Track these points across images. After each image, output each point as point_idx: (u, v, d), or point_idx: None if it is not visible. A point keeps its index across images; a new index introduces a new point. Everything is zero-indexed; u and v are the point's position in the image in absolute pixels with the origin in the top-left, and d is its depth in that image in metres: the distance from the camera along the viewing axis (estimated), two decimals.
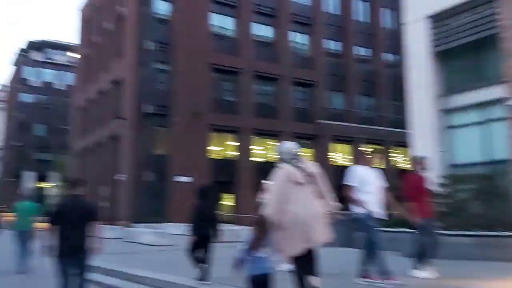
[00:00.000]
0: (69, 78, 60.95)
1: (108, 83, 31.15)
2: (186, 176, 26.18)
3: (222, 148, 29.37)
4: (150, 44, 26.77)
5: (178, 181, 26.02)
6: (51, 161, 56.29)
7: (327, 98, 33.24)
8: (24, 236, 9.82)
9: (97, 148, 32.15)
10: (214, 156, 28.48)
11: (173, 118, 26.54)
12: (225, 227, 18.15)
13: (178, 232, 17.15)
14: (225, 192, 29.25)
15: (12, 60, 68.09)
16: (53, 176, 53.57)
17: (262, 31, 31.82)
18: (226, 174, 28.72)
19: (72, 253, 5.36)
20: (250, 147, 29.53)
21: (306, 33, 33.46)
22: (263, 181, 7.69)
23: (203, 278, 6.72)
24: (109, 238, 18.61)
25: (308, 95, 32.84)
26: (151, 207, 25.87)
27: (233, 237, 16.52)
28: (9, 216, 12.39)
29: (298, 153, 4.81)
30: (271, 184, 4.77)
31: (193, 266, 6.98)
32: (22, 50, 62.41)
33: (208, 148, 27.78)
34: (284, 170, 4.66)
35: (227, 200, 29.62)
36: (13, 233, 10.11)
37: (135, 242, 16.65)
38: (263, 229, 4.35)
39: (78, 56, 39.34)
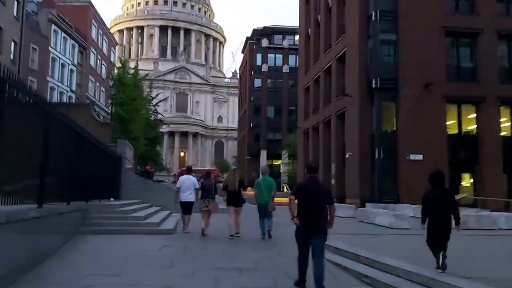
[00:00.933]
0: (294, 61, 63.97)
1: (332, 61, 30.85)
2: (418, 154, 24.05)
3: (459, 121, 25.97)
4: (374, 14, 25.13)
5: (409, 160, 24.09)
6: (281, 140, 60.43)
7: None
8: (264, 208, 10.88)
9: (323, 127, 32.38)
10: (449, 131, 25.39)
11: (402, 92, 24.54)
12: (469, 213, 15.86)
13: (414, 214, 15.66)
14: (464, 171, 25.95)
15: (241, 49, 75.58)
16: (283, 154, 57.52)
17: None
18: (464, 151, 25.43)
19: (311, 230, 5.78)
20: (495, 119, 25.33)
21: None
22: None
23: (442, 267, 6.53)
24: (342, 217, 18.25)
25: None
26: (381, 187, 24.65)
27: (479, 223, 14.22)
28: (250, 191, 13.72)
29: None
30: None
31: (434, 255, 6.70)
32: (250, 38, 68.10)
33: (442, 122, 24.84)
34: None
35: (466, 181, 26.25)
36: (256, 206, 11.26)
37: (370, 223, 15.76)
38: None
39: (301, 37, 40.25)
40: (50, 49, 42.81)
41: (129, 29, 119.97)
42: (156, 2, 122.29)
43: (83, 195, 12.20)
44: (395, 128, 25.31)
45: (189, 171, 12.85)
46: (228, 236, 10.78)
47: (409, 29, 24.51)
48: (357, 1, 26.44)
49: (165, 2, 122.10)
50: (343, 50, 28.59)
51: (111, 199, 17.30)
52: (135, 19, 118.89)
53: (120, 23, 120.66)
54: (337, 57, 29.96)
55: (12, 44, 29.40)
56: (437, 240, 6.60)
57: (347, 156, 26.80)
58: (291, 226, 6.13)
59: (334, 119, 29.94)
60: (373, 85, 24.90)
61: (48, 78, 42.66)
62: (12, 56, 29.40)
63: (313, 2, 36.60)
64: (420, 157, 23.85)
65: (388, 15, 25.24)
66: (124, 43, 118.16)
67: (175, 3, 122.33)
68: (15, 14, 29.53)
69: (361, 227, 15.01)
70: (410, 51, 24.42)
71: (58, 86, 44.37)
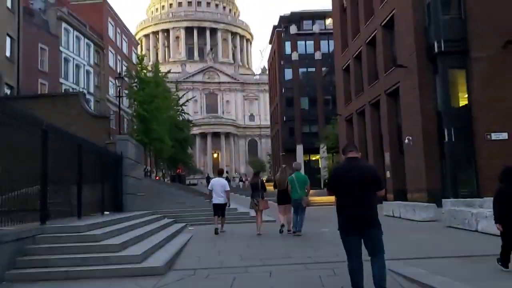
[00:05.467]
0: (326, 46, 58.83)
1: (377, 30, 25.76)
2: (501, 132, 18.75)
3: None
4: None
5: (489, 140, 18.81)
6: (317, 133, 55.40)
7: None
8: (297, 203, 11.18)
9: (370, 110, 27.30)
10: None
11: (474, 54, 19.24)
12: None
13: None
14: None
15: (269, 39, 70.51)
16: (321, 147, 52.47)
17: None
18: None
19: (356, 226, 4.72)
20: None
21: None
22: None
23: None
24: (418, 221, 13.37)
25: None
26: (454, 177, 19.42)
27: None
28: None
29: None
30: None
31: None
32: (277, 26, 63.24)
33: None
34: None
35: None
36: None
37: (467, 230, 10.78)
38: None
39: (335, 12, 35.18)
40: (62, 48, 39.45)
41: (155, 33, 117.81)
42: (180, 4, 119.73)
43: (42, 212, 8.15)
44: (467, 102, 20.02)
45: (220, 173, 13.86)
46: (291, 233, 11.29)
47: None
48: None
49: (189, 3, 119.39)
50: (391, 13, 23.48)
51: (106, 212, 13.08)
52: (160, 23, 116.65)
53: (145, 27, 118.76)
54: (382, 24, 24.86)
55: (8, 39, 25.85)
56: None
57: (406, 141, 21.67)
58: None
59: (385, 98, 24.84)
60: (436, 49, 19.70)
61: (62, 80, 39.34)
62: (9, 53, 25.83)
63: None
64: (504, 135, 18.64)
65: None
66: (151, 47, 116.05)
67: (199, 3, 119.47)
68: (9, 5, 26.00)
69: (464, 239, 9.88)
70: (481, 0, 19.08)
71: (74, 88, 40.99)
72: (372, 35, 26.51)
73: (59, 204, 10.63)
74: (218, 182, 12.67)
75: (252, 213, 14.74)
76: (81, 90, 42.52)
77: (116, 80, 30.69)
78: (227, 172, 15.74)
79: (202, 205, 19.01)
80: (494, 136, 18.68)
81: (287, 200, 11.43)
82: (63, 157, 10.45)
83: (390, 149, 24.40)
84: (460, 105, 20.46)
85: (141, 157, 19.91)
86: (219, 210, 12.53)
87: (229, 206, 12.95)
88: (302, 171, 13.27)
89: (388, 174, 23.86)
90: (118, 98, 32.55)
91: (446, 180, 19.74)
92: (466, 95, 20.12)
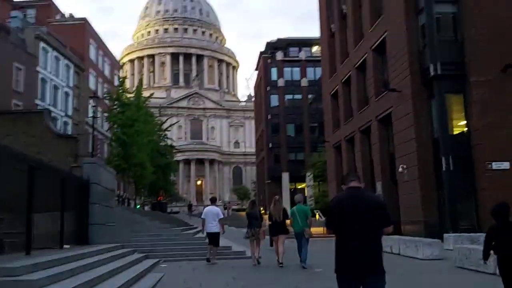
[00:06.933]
0: (312, 73, 58.28)
1: (367, 53, 24.79)
2: (503, 162, 17.57)
3: None
4: None
5: (490, 169, 17.57)
6: (303, 160, 54.11)
7: None
8: (300, 236, 11.12)
9: (360, 136, 26.07)
10: None
11: (473, 77, 18.20)
12: None
13: None
14: None
15: (255, 66, 69.83)
16: (308, 176, 51.06)
17: None
18: None
19: (357, 270, 3.91)
20: None
21: None
22: None
23: None
24: (421, 259, 11.87)
25: None
26: (453, 209, 18.02)
27: None
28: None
29: None
30: None
31: None
32: (263, 52, 62.68)
33: None
34: None
35: None
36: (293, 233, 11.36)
37: (481, 272, 9.30)
38: None
39: (323, 36, 34.39)
40: (39, 69, 37.81)
41: (140, 58, 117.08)
42: (166, 30, 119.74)
43: None
44: (466, 129, 18.86)
45: (213, 201, 13.60)
46: (278, 264, 11.27)
47: None
48: None
49: (176, 30, 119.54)
50: (382, 36, 22.53)
51: (66, 246, 11.29)
52: (146, 48, 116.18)
53: (130, 52, 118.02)
54: (373, 47, 23.91)
55: None
56: None
57: (399, 170, 20.34)
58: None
59: (376, 124, 23.65)
60: (431, 72, 18.60)
61: (38, 102, 37.52)
62: None
63: None
64: (506, 165, 17.41)
65: None
66: (136, 72, 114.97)
67: (185, 30, 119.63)
68: None
69: (485, 285, 8.32)
70: (479, 22, 18.19)
71: (51, 110, 39.15)
72: (362, 59, 25.54)
73: (14, 236, 9.06)
74: (211, 210, 12.55)
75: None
76: (60, 112, 40.74)
77: (91, 100, 29.06)
78: (214, 199, 14.65)
79: (179, 237, 17.26)
80: (495, 165, 17.45)
81: (281, 231, 11.50)
82: (16, 182, 8.80)
83: (382, 178, 23.06)
84: (458, 132, 19.30)
85: (114, 183, 18.20)
86: (212, 239, 12.38)
87: (223, 233, 12.92)
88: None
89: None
90: (92, 119, 30.79)
91: (444, 212, 18.36)
92: (464, 122, 18.98)
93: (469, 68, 18.29)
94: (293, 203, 14.07)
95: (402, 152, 20.52)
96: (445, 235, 14.56)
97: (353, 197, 4.18)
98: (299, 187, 57.41)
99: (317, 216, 39.49)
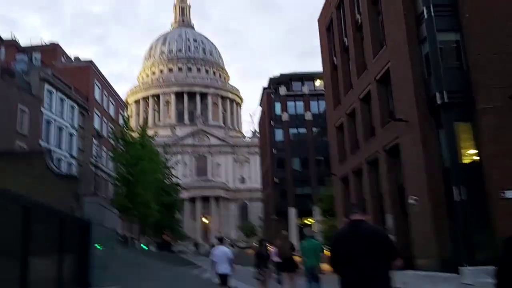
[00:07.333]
0: (316, 107, 58.39)
1: (370, 84, 24.65)
2: None
3: None
4: (427, 10, 19.08)
5: (504, 198, 16.96)
6: (310, 195, 53.37)
7: None
8: (311, 273, 10.77)
9: (367, 168, 25.59)
10: None
11: (480, 105, 17.86)
12: None
13: None
14: None
15: (259, 101, 70.11)
16: (315, 210, 50.22)
17: None
18: None
19: None
20: None
21: None
22: None
23: None
24: None
25: None
26: (468, 240, 17.31)
27: None
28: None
29: None
30: None
31: None
32: (266, 88, 63.04)
33: None
34: None
35: None
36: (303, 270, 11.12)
37: None
38: None
39: (325, 69, 34.45)
40: (43, 110, 38.00)
41: (145, 98, 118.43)
42: (170, 70, 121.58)
43: None
44: (477, 157, 18.36)
45: (220, 241, 13.23)
46: None
47: (477, 19, 18.23)
48: (399, 0, 20.52)
49: (180, 69, 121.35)
50: (386, 66, 22.43)
51: None
52: (151, 88, 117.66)
53: (136, 93, 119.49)
54: (377, 78, 23.77)
55: None
56: None
57: (410, 201, 19.74)
58: None
59: (383, 155, 23.21)
60: (438, 100, 18.29)
61: (42, 143, 37.48)
62: None
63: (337, 26, 31.11)
64: None
65: (445, 8, 19.19)
66: (141, 112, 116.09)
67: (189, 69, 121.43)
68: None
69: None
70: (484, 48, 18.01)
71: (55, 151, 39.07)
72: (366, 90, 25.37)
73: (7, 282, 8.56)
74: (221, 251, 12.41)
75: None
76: (64, 153, 40.65)
77: (94, 139, 28.96)
78: (222, 238, 14.58)
79: (186, 279, 16.61)
80: (508, 194, 16.84)
81: (292, 267, 11.42)
82: (11, 224, 8.40)
83: (392, 210, 22.40)
84: (469, 161, 18.78)
85: (117, 223, 17.74)
86: (223, 279, 12.35)
87: (235, 274, 12.78)
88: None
89: (393, 237, 21.67)
90: (95, 157, 30.57)
91: (458, 244, 17.61)
92: (475, 150, 18.50)
93: (476, 95, 17.98)
94: (301, 239, 14.62)
95: (412, 182, 19.99)
96: (461, 268, 13.85)
97: (354, 230, 4.00)
98: (307, 222, 56.43)
99: (324, 251, 38.42)
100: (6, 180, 12.21)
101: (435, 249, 17.90)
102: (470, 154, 18.89)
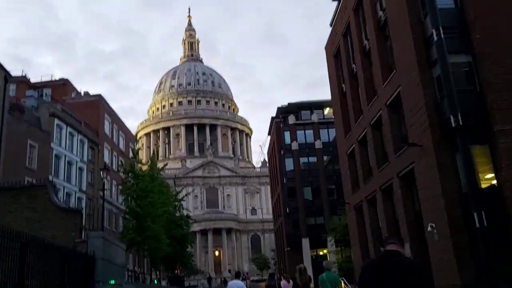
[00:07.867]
0: (326, 135, 57.89)
1: (381, 110, 24.23)
2: None
3: None
4: (436, 33, 18.79)
5: None
6: (323, 225, 52.22)
7: None
8: None
9: (381, 196, 24.86)
10: None
11: (497, 127, 17.29)
12: None
13: None
14: None
15: (268, 131, 69.90)
16: (329, 241, 48.99)
17: None
18: None
19: None
20: None
21: None
22: None
23: None
24: None
25: None
26: (491, 267, 16.45)
27: None
28: None
29: None
30: None
31: None
32: (275, 117, 62.86)
33: None
34: None
35: None
36: None
37: None
38: None
39: (334, 98, 34.17)
40: (53, 145, 38.02)
41: (156, 131, 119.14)
42: (180, 103, 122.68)
43: None
44: (496, 181, 17.65)
45: (237, 276, 13.99)
46: None
47: (488, 40, 17.87)
48: (408, 24, 20.30)
49: (189, 102, 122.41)
50: (396, 91, 22.04)
51: None
52: (161, 121, 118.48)
53: (146, 126, 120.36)
54: (387, 103, 23.35)
55: None
56: None
57: (428, 229, 18.93)
58: None
59: (398, 182, 22.52)
60: (453, 124, 17.78)
61: (51, 178, 37.29)
62: None
63: (344, 53, 31.02)
64: None
65: (454, 30, 18.90)
66: (151, 145, 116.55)
67: (199, 101, 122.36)
68: None
69: None
70: (497, 68, 17.58)
71: (64, 186, 38.88)
72: (377, 116, 24.93)
73: None
74: (236, 285, 12.84)
75: None
76: (74, 187, 40.38)
77: (101, 172, 28.69)
78: (239, 273, 14.99)
79: None
80: None
81: None
82: (10, 261, 7.94)
83: (409, 239, 21.53)
84: (487, 184, 18.08)
85: (124, 257, 17.15)
86: None
87: None
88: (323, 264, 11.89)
89: None
90: (103, 190, 30.19)
91: (481, 273, 16.73)
92: (493, 174, 17.82)
93: (492, 117, 17.44)
94: (316, 271, 14.25)
95: (429, 209, 19.23)
96: None
97: (385, 262, 3.85)
98: (321, 253, 55.05)
99: (342, 284, 37.25)
100: (9, 215, 11.78)
101: (458, 279, 17.00)
102: (488, 178, 18.20)
